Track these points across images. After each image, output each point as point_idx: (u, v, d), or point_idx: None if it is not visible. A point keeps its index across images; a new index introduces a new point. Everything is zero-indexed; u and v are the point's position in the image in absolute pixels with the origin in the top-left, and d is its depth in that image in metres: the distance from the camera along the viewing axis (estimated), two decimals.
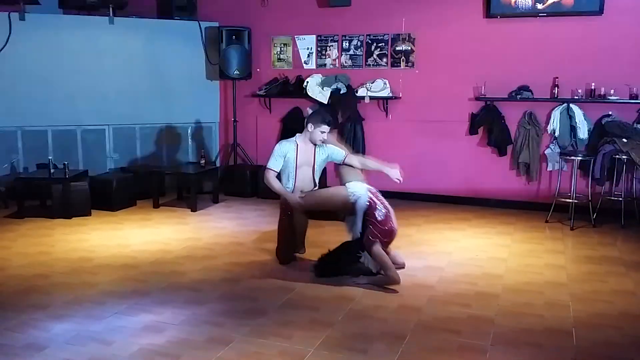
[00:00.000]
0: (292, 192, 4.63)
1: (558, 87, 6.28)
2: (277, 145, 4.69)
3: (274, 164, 4.59)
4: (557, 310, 3.76)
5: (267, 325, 3.52)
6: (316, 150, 4.70)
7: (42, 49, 6.94)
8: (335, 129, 7.25)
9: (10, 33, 6.66)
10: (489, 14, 6.58)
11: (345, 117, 7.23)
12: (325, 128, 4.60)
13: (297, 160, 4.63)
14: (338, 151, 4.74)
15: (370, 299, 3.92)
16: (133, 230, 5.76)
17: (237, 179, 7.46)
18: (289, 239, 4.70)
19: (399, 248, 4.60)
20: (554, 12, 6.34)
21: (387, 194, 7.17)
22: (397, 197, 7.18)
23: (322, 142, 4.65)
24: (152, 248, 5.12)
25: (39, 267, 4.56)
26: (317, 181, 4.79)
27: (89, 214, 6.26)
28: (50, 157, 6.45)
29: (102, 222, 6.05)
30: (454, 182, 7.00)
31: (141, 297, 3.95)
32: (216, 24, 7.59)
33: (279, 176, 4.65)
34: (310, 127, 4.62)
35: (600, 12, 6.14)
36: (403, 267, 4.45)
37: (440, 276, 4.42)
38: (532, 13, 6.43)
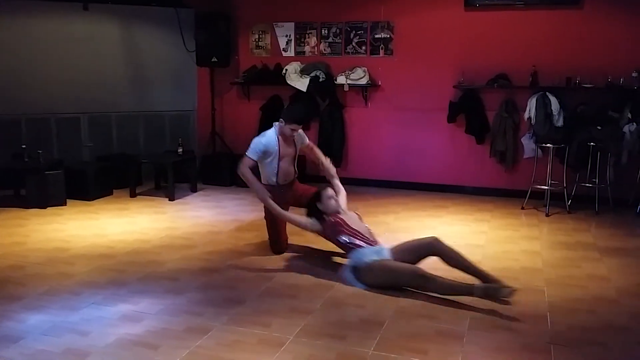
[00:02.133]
0: (277, 183, 4.58)
1: (535, 76, 6.34)
2: (258, 137, 4.60)
3: (253, 154, 4.49)
4: (533, 295, 3.82)
5: (246, 313, 3.52)
6: (295, 140, 4.69)
7: (15, 36, 6.77)
8: (317, 117, 7.29)
9: None
10: (467, 3, 6.60)
11: (325, 104, 7.23)
12: (296, 127, 4.55)
13: (279, 153, 4.56)
14: (303, 137, 4.80)
15: (349, 287, 3.94)
16: (110, 219, 5.69)
17: (215, 167, 7.41)
18: (279, 230, 4.66)
19: (378, 236, 4.62)
20: (532, 3, 6.39)
21: (367, 182, 7.28)
22: (376, 185, 7.24)
23: (291, 136, 4.62)
24: (129, 238, 5.07)
25: (13, 258, 4.48)
26: (296, 169, 4.78)
27: (64, 204, 6.17)
28: (23, 146, 6.32)
29: (78, 211, 5.97)
30: (432, 169, 7.05)
31: (118, 287, 3.91)
32: (193, 10, 7.48)
33: (255, 167, 4.56)
34: (281, 122, 4.54)
35: (577, 3, 6.21)
36: None
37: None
38: (510, 3, 6.46)
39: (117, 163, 6.90)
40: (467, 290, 3.62)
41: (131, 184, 6.65)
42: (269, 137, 4.58)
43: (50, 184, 6.09)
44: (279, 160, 4.57)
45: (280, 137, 4.59)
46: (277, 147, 4.55)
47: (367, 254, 3.95)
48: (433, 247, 3.94)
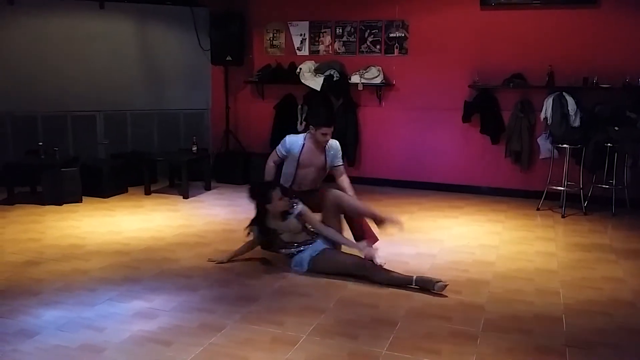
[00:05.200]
0: (292, 188, 4.49)
1: (552, 75, 6.28)
2: (287, 136, 4.49)
3: (280, 148, 4.45)
4: (548, 297, 3.79)
5: (259, 311, 3.52)
6: (326, 152, 4.48)
7: (32, 34, 6.85)
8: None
9: None
10: (483, 1, 6.56)
11: (339, 104, 7.22)
12: (326, 130, 4.37)
13: (299, 159, 4.42)
14: (339, 158, 4.57)
15: (362, 286, 3.93)
16: (125, 217, 5.74)
17: (229, 166, 7.43)
18: None
19: (392, 235, 4.59)
20: (549, 2, 6.33)
21: (381, 182, 7.26)
22: (390, 184, 7.22)
23: (326, 143, 4.43)
24: (144, 235, 5.10)
25: (29, 254, 4.53)
26: (318, 186, 4.60)
27: (79, 201, 6.23)
28: (40, 143, 6.39)
29: (94, 208, 6.02)
30: (447, 169, 7.01)
31: (133, 283, 3.94)
32: (208, 9, 7.51)
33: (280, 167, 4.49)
34: (311, 130, 4.42)
35: (594, 2, 6.14)
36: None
37: (432, 263, 4.43)
38: (526, 2, 6.41)
39: (132, 161, 6.95)
40: (406, 281, 3.83)
41: (146, 182, 6.70)
42: (297, 139, 4.45)
43: (66, 181, 6.15)
44: (298, 166, 4.44)
45: (307, 144, 4.42)
46: (298, 152, 4.41)
47: (305, 258, 4.12)
48: (336, 204, 4.22)
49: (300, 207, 4.17)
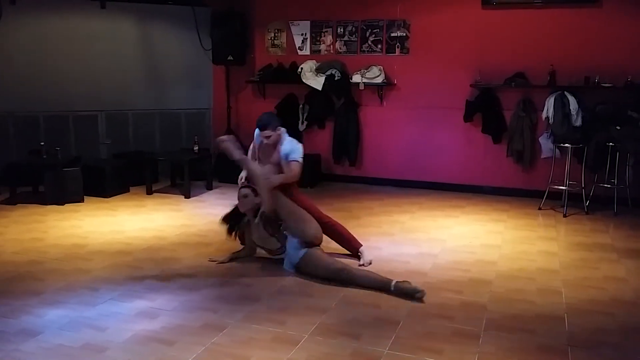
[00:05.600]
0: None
1: (554, 75, 6.28)
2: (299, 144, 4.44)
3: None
4: (550, 297, 3.79)
5: (261, 311, 3.53)
6: (277, 149, 4.41)
7: (33, 34, 6.86)
8: (332, 115, 7.28)
9: (0, 17, 6.56)
10: (485, 1, 6.55)
11: (340, 103, 7.23)
12: (262, 132, 4.33)
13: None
14: (292, 156, 4.39)
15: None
16: (126, 216, 5.74)
17: (231, 165, 7.40)
18: None
19: (393, 235, 4.59)
20: (551, 1, 6.33)
21: (382, 181, 7.26)
22: (392, 184, 7.22)
23: (265, 143, 4.37)
24: (145, 235, 5.11)
25: (32, 254, 4.54)
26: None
27: (81, 200, 6.24)
28: (42, 143, 6.40)
29: (95, 208, 6.03)
30: (448, 169, 7.01)
31: (135, 283, 3.94)
32: (210, 9, 7.51)
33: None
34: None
35: (596, 1, 6.14)
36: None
37: (433, 263, 4.43)
38: (528, 1, 6.40)
39: (134, 160, 6.96)
40: (385, 285, 3.77)
41: (147, 182, 6.71)
42: (256, 137, 4.54)
43: (68, 180, 6.16)
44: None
45: (260, 142, 4.47)
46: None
47: (287, 265, 4.17)
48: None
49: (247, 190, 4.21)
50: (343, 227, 4.55)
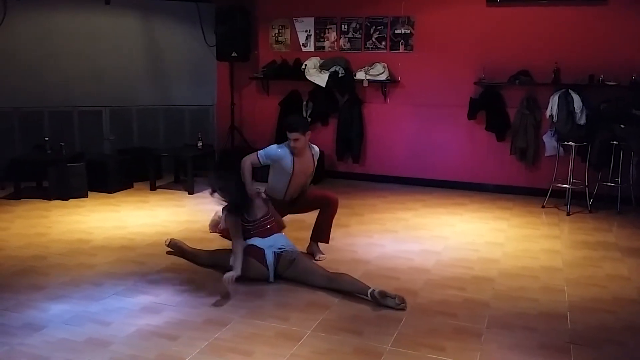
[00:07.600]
0: (284, 200, 4.38)
1: (558, 73, 6.26)
2: (275, 147, 4.34)
3: (263, 156, 4.28)
4: (552, 295, 3.79)
5: (264, 307, 3.54)
6: (313, 157, 4.42)
7: (38, 30, 6.87)
8: (336, 112, 7.29)
9: (5, 14, 6.58)
10: None
11: (344, 100, 7.23)
12: (292, 135, 4.20)
13: (293, 168, 4.28)
14: (317, 152, 4.51)
15: (367, 282, 3.93)
16: (130, 212, 5.76)
17: (234, 162, 7.42)
18: None
19: (396, 232, 4.60)
20: None
21: (386, 178, 7.26)
22: (395, 181, 7.22)
23: (294, 149, 4.25)
24: (149, 230, 5.12)
25: (36, 249, 4.56)
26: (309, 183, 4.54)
27: (85, 196, 6.25)
28: (46, 139, 6.42)
29: (99, 203, 6.04)
30: (452, 166, 7.00)
31: (139, 278, 3.96)
32: (214, 5, 7.51)
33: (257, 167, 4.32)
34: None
35: (603, 0, 6.12)
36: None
37: (436, 260, 4.44)
38: None
39: (138, 156, 6.97)
40: (363, 291, 3.60)
41: (151, 177, 6.72)
42: (284, 152, 4.28)
43: (72, 176, 6.18)
44: (292, 176, 4.30)
45: (294, 155, 4.28)
46: (291, 165, 4.27)
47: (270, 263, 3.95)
48: None
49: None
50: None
